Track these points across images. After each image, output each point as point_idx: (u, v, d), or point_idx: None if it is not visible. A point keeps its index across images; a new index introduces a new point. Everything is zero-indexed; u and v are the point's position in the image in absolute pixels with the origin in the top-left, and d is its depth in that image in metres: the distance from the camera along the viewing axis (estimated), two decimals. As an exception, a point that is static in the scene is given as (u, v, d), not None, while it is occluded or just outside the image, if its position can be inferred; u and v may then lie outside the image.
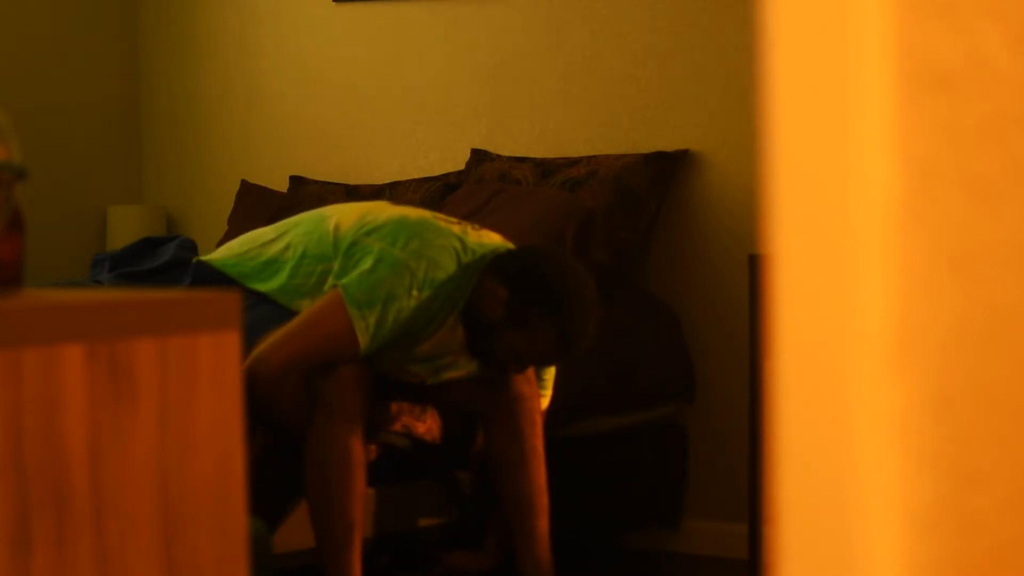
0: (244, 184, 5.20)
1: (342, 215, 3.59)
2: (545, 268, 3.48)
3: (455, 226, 3.56)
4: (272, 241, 3.66)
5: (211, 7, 5.51)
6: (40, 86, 5.39)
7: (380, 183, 5.02)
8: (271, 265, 3.61)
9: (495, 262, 3.50)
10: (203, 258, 3.77)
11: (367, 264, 3.44)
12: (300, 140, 5.34)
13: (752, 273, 4.03)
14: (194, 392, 1.38)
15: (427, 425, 3.67)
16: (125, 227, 5.43)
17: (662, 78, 4.67)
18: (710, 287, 4.62)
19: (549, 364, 3.60)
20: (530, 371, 3.64)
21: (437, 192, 4.82)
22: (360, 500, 3.44)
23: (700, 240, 4.63)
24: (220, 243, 4.63)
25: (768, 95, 1.08)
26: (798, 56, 1.06)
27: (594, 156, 4.66)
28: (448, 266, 3.46)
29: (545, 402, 3.75)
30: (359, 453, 3.42)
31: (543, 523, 3.64)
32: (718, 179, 4.61)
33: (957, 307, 1.07)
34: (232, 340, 1.40)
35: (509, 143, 4.92)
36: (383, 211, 3.58)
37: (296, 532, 3.62)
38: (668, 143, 4.65)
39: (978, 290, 1.07)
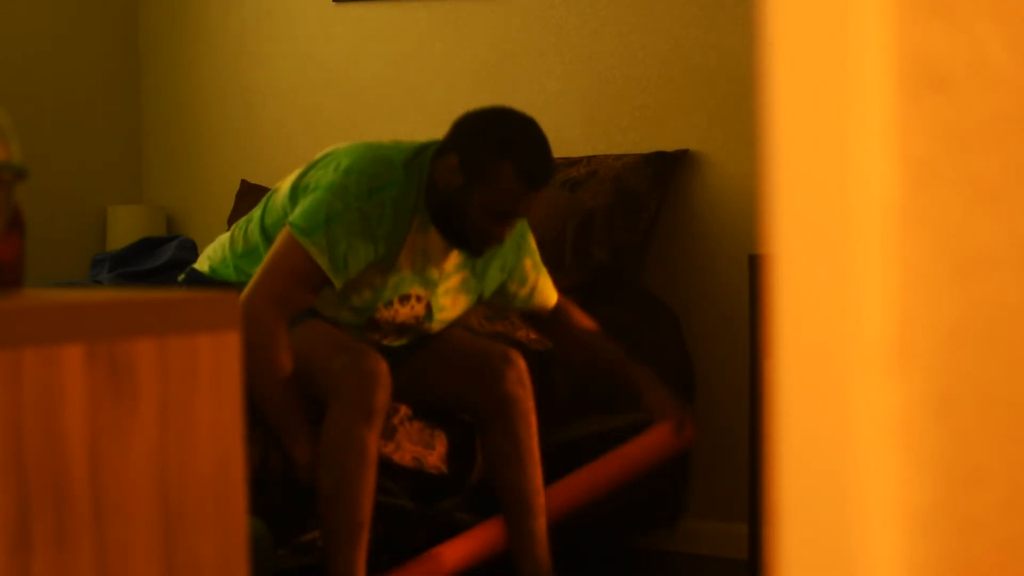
0: (244, 184, 5.20)
1: (289, 177, 3.68)
2: (483, 120, 3.52)
3: (398, 143, 3.62)
4: (235, 240, 3.72)
5: (211, 7, 5.51)
6: (40, 86, 5.39)
7: (380, 183, 5.02)
8: (246, 256, 3.66)
9: (439, 146, 3.55)
10: (195, 267, 3.79)
11: (308, 196, 3.50)
12: (300, 140, 5.34)
13: (752, 273, 4.03)
14: (194, 392, 1.38)
15: (436, 452, 3.68)
16: (125, 227, 5.43)
17: (662, 78, 4.67)
18: (710, 287, 4.62)
19: (521, 208, 3.52)
20: (523, 372, 3.65)
21: (437, 192, 4.82)
22: (370, 498, 3.43)
23: (700, 240, 4.63)
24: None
25: (768, 95, 1.08)
26: (798, 56, 1.06)
27: (594, 156, 4.66)
28: (386, 173, 3.49)
29: (554, 297, 3.82)
30: (374, 451, 3.42)
31: (540, 523, 3.64)
32: (718, 179, 4.61)
33: (957, 307, 1.07)
34: (232, 340, 1.40)
35: (509, 143, 4.92)
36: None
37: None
38: (668, 143, 4.65)
39: (978, 290, 1.07)
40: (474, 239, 3.52)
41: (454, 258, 3.62)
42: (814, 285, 1.06)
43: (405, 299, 3.60)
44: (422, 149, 3.57)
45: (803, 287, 1.06)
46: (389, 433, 3.59)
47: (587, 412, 4.26)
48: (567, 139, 4.82)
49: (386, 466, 3.61)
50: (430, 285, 3.61)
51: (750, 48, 4.47)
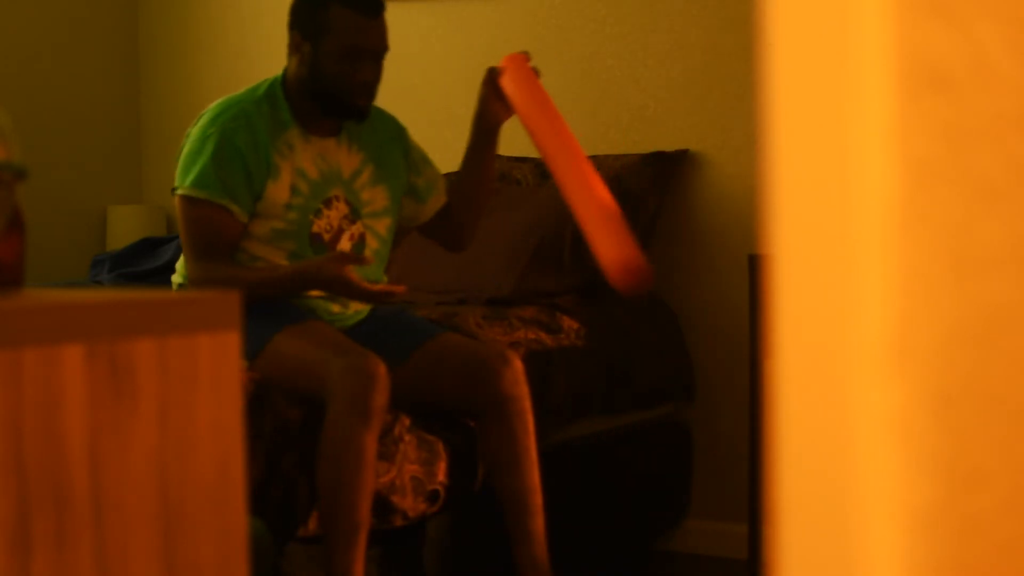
0: (244, 184, 5.20)
1: None
2: None
3: None
4: None
5: (211, 7, 5.51)
6: (40, 86, 5.39)
7: (380, 183, 5.02)
8: None
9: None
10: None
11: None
12: (300, 140, 5.34)
13: (752, 273, 4.03)
14: (194, 392, 1.38)
15: (438, 466, 3.68)
16: (125, 227, 5.43)
17: (662, 78, 4.67)
18: (710, 287, 4.62)
19: (369, 39, 3.71)
20: (520, 371, 3.65)
21: (437, 192, 4.83)
22: (369, 498, 3.44)
23: (700, 240, 4.63)
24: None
25: (768, 95, 1.08)
26: (798, 56, 1.06)
27: (594, 156, 4.66)
28: (229, 101, 3.69)
29: (442, 199, 3.95)
30: (372, 452, 3.43)
31: (538, 523, 3.64)
32: (718, 179, 4.61)
33: (957, 307, 1.07)
34: (232, 340, 1.40)
35: (509, 143, 4.92)
36: None
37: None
38: (668, 143, 4.65)
39: (978, 290, 1.07)
40: (346, 95, 3.68)
41: (351, 151, 3.77)
42: (814, 285, 1.06)
43: (328, 202, 3.72)
44: (269, 79, 3.78)
45: (803, 287, 1.06)
46: (389, 454, 3.58)
47: (587, 412, 4.26)
48: (567, 139, 4.82)
49: (385, 505, 3.60)
50: (342, 182, 3.74)
51: (750, 48, 4.47)
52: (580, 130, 4.79)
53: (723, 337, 4.59)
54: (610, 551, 4.58)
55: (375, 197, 3.79)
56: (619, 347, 4.36)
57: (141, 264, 4.87)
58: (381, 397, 3.42)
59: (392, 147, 3.88)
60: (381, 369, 3.43)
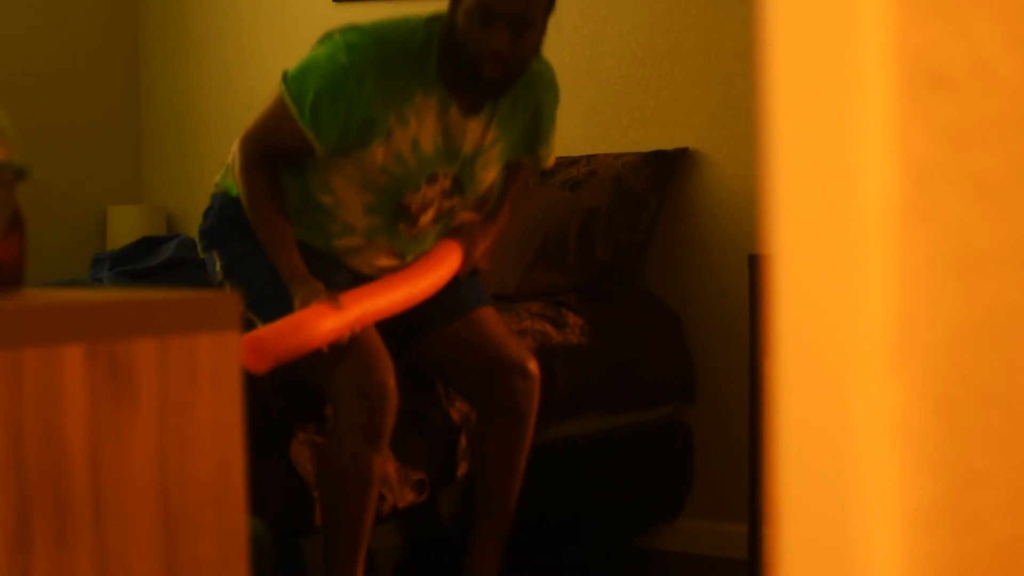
0: (244, 184, 5.19)
1: None
2: None
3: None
4: None
5: (211, 7, 5.51)
6: (40, 86, 5.38)
7: (380, 183, 5.02)
8: None
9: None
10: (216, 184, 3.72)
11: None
12: (300, 140, 5.33)
13: (752, 273, 4.02)
14: (194, 392, 1.38)
15: (422, 457, 3.68)
16: (125, 227, 5.43)
17: (662, 78, 4.67)
18: (710, 287, 4.62)
19: (501, 4, 3.30)
20: (535, 386, 3.64)
21: (437, 192, 4.82)
22: (372, 513, 3.42)
23: (700, 240, 4.63)
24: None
25: (768, 95, 1.08)
26: (798, 56, 1.06)
27: (594, 156, 4.66)
28: (386, 36, 3.41)
29: (552, 159, 3.72)
30: (377, 470, 3.40)
31: (507, 525, 3.68)
32: (718, 179, 4.60)
33: (957, 307, 1.07)
34: (232, 340, 1.40)
35: (509, 143, 4.92)
36: None
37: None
38: (668, 143, 4.65)
39: (978, 290, 1.07)
40: (474, 60, 3.34)
41: (487, 129, 3.51)
42: (814, 285, 1.06)
43: (433, 177, 3.49)
44: (437, 23, 3.43)
45: (803, 287, 1.06)
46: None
47: (588, 410, 4.26)
48: (567, 139, 4.82)
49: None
50: (459, 161, 3.50)
51: (750, 48, 4.47)
52: (580, 130, 4.79)
53: (723, 337, 4.59)
54: (609, 550, 4.57)
55: (488, 176, 3.59)
56: (621, 346, 4.36)
57: (141, 264, 4.86)
58: (390, 418, 3.37)
59: (531, 118, 3.60)
60: (390, 383, 3.36)
